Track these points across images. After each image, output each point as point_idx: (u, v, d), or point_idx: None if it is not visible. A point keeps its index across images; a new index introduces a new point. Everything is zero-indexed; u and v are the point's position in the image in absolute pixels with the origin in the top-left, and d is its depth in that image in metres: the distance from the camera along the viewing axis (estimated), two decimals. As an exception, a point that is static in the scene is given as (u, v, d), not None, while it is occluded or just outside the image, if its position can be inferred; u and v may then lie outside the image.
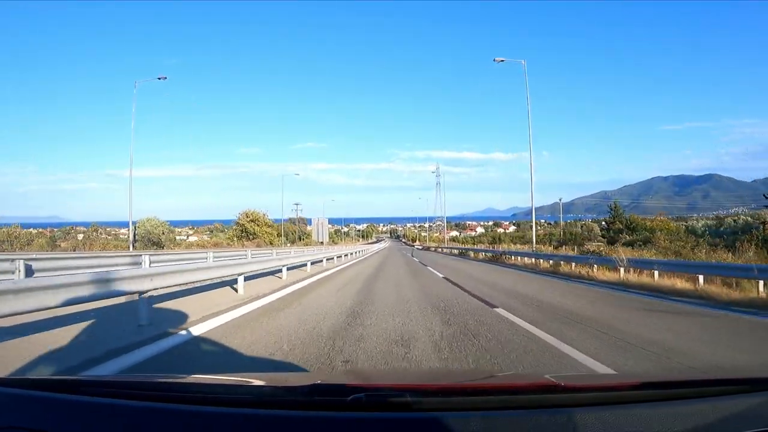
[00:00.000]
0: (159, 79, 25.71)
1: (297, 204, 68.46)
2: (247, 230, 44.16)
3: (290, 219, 70.00)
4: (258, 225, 45.19)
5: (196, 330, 4.63)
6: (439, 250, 49.90)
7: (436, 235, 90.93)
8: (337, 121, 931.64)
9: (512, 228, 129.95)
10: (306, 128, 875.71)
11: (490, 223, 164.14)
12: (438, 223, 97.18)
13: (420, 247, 65.10)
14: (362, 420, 0.91)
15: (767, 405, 0.99)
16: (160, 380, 1.27)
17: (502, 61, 22.19)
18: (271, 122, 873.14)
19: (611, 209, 39.92)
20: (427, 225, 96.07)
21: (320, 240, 41.91)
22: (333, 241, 72.91)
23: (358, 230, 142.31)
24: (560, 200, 63.06)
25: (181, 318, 5.29)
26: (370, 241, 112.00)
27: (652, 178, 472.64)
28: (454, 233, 60.75)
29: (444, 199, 61.87)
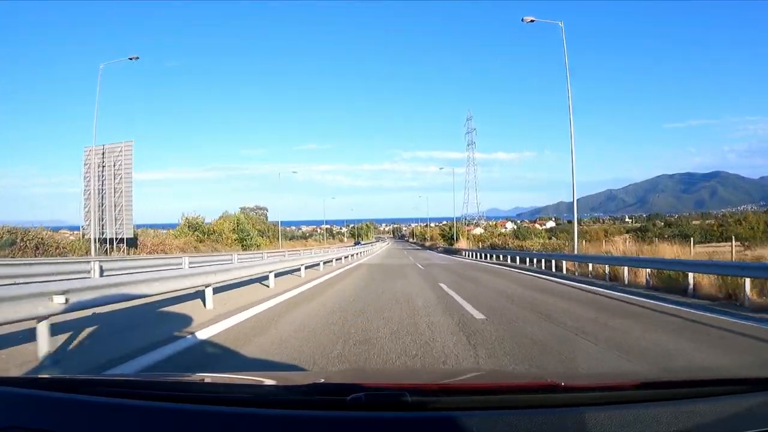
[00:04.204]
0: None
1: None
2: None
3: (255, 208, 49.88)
4: None
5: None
6: None
7: (466, 229, 63.01)
8: (339, 122, 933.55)
9: (550, 224, 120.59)
10: (308, 129, 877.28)
11: (498, 222, 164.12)
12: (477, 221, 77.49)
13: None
14: (362, 419, 0.92)
15: (767, 405, 1.00)
16: (161, 380, 1.31)
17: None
18: (274, 123, 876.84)
19: None
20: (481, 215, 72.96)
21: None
22: (253, 243, 33.99)
23: (354, 228, 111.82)
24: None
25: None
26: (364, 242, 67.58)
27: (658, 176, 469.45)
28: (478, 231, 56.46)
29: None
